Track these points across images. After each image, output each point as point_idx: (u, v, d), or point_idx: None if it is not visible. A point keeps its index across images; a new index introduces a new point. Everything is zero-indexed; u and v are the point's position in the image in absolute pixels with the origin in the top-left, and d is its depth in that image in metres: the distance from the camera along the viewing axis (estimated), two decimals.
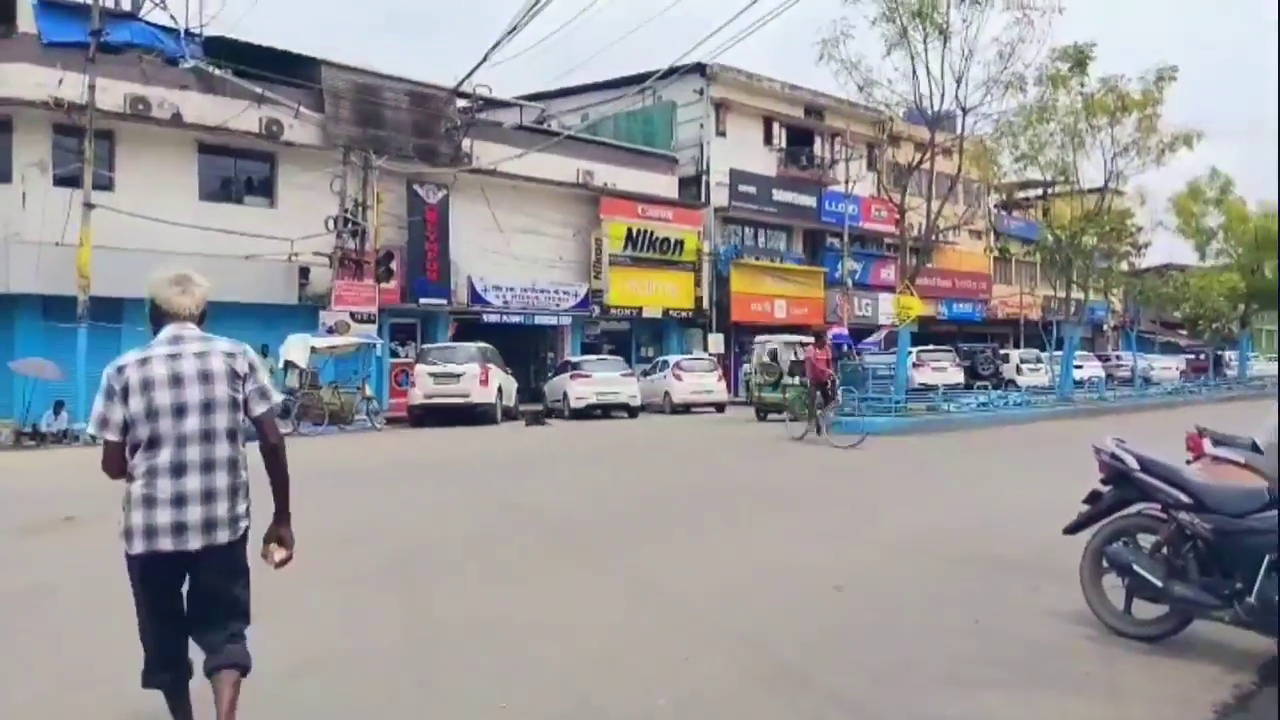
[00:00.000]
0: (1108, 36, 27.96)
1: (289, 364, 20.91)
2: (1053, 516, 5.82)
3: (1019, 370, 35.10)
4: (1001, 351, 37.63)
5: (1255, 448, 6.42)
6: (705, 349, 32.06)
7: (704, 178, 34.49)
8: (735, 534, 8.25)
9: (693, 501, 10.22)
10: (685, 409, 26.17)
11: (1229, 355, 44.17)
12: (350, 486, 11.76)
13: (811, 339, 20.45)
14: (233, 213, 23.96)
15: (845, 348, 30.43)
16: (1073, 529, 5.47)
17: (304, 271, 24.65)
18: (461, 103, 28.50)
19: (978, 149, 25.10)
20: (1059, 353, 29.28)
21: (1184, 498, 4.88)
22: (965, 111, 20.89)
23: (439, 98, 27.65)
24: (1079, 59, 22.55)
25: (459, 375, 21.52)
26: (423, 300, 26.95)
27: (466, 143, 27.92)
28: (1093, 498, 5.42)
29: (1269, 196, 36.97)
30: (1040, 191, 35.17)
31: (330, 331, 22.96)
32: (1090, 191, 27.52)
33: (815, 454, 15.77)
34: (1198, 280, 38.02)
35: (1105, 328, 49.98)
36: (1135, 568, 4.94)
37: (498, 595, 6.18)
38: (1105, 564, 5.20)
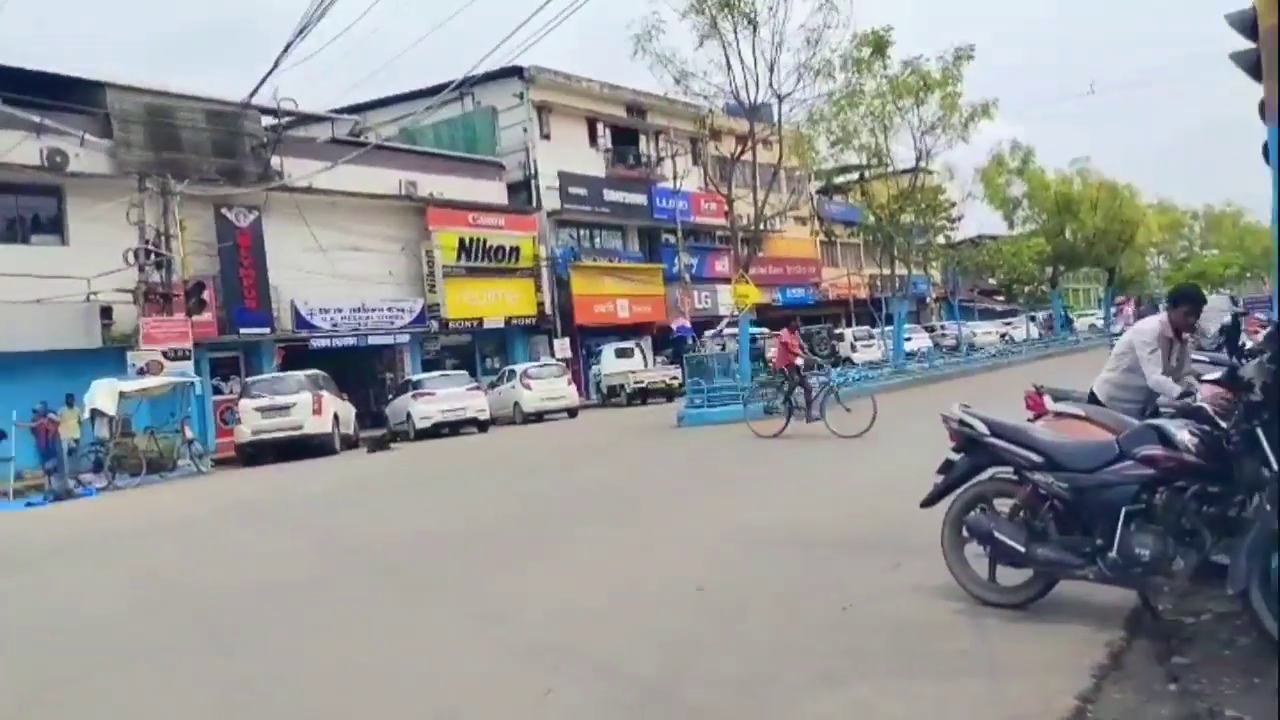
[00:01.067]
0: (913, 17, 29.20)
1: (96, 412, 19.12)
2: (905, 488, 5.72)
3: (853, 348, 36.30)
4: (836, 331, 38.84)
5: (1093, 399, 6.51)
6: (552, 355, 31.56)
7: (533, 182, 33.99)
8: (590, 548, 7.79)
9: (545, 517, 9.74)
10: (537, 418, 25.61)
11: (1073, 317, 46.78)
12: (163, 541, 10.66)
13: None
14: (18, 254, 21.73)
15: (689, 340, 30.66)
16: (929, 501, 5.34)
17: (106, 311, 22.66)
18: (269, 120, 26.94)
19: (795, 136, 25.67)
20: (889, 328, 30.41)
21: (1036, 458, 4.80)
22: (781, 99, 21.23)
23: (240, 114, 26.02)
24: (878, 44, 23.32)
25: (289, 406, 20.21)
26: (243, 330, 25.29)
27: (276, 160, 26.40)
28: (945, 467, 5.29)
29: (1062, 164, 39.83)
30: (857, 175, 36.49)
31: (141, 373, 21.15)
32: (903, 172, 28.70)
33: (661, 449, 15.59)
34: (1009, 247, 40.45)
35: (928, 300, 52.56)
36: (996, 534, 4.82)
37: (329, 648, 5.52)
38: (966, 533, 5.08)
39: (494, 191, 33.00)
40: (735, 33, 19.87)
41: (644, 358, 31.71)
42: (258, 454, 20.36)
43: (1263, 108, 7.22)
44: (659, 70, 20.45)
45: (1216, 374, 6.59)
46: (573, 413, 26.27)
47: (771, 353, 19.61)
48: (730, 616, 5.33)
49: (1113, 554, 4.42)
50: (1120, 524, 4.41)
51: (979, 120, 26.07)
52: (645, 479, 12.09)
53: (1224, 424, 4.26)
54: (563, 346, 32.53)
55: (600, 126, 37.12)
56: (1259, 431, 4.06)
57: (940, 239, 33.42)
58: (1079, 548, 4.60)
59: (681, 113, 31.95)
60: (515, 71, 32.16)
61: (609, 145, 37.39)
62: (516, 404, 25.81)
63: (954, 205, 32.12)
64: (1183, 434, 4.32)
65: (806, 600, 5.49)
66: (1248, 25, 7.68)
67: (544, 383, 26.29)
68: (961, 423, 5.16)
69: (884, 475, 9.92)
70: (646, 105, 37.57)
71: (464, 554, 7.95)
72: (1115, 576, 4.45)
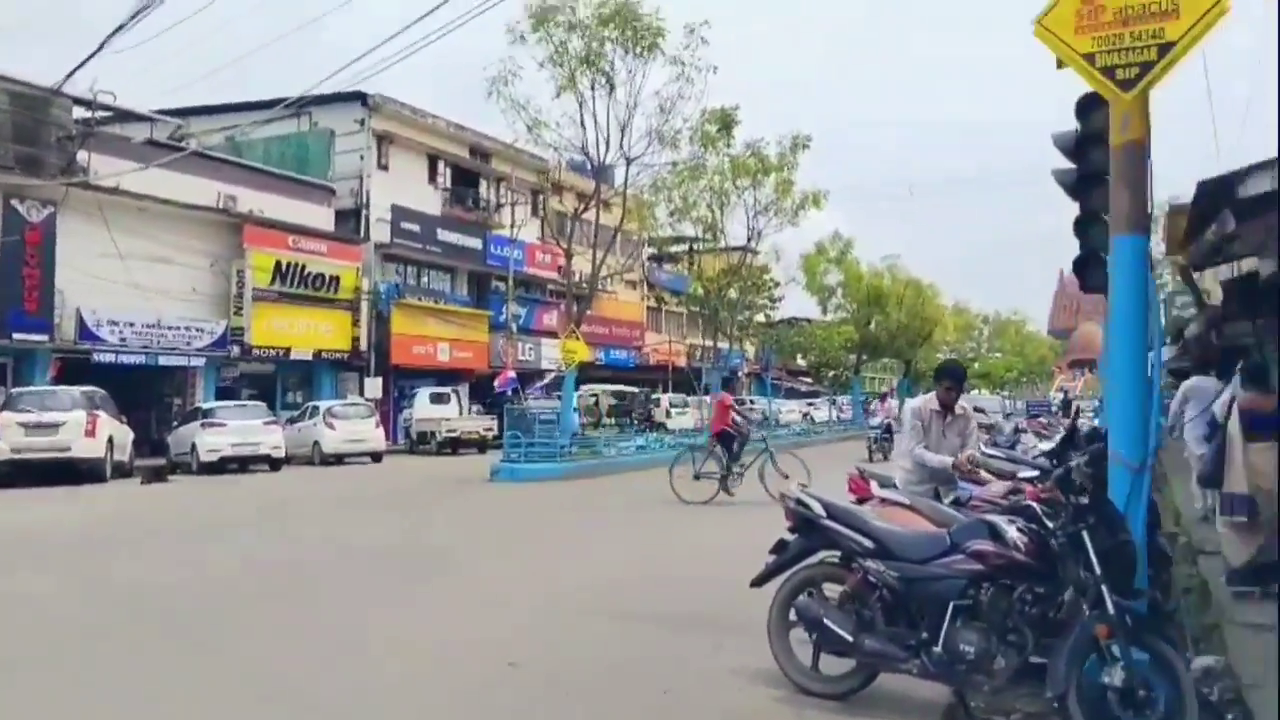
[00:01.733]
0: (756, 102, 30.54)
1: None
2: (722, 562, 5.56)
3: (668, 414, 36.84)
4: (654, 396, 39.33)
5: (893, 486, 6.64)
6: (361, 393, 30.16)
7: (364, 212, 32.78)
8: (394, 611, 7.12)
9: (344, 572, 8.97)
10: (337, 460, 24.25)
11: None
12: None
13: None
14: None
15: (509, 393, 30.20)
16: (759, 581, 5.21)
17: None
18: (81, 111, 24.74)
19: (635, 201, 26.06)
20: (705, 396, 31.10)
21: (869, 544, 4.75)
22: (630, 162, 21.46)
23: (49, 100, 23.77)
24: (725, 121, 24.04)
25: (58, 425, 18.11)
26: (16, 335, 22.72)
27: (83, 155, 24.21)
28: (779, 547, 5.19)
29: (874, 258, 42.50)
30: (688, 246, 37.50)
31: None
32: (733, 249, 29.68)
33: (476, 504, 15.02)
34: (821, 332, 42.51)
35: (740, 374, 54.21)
36: (826, 622, 4.72)
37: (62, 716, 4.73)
38: (793, 617, 4.96)
39: (320, 216, 31.55)
40: (593, 90, 20.00)
41: (460, 405, 30.88)
42: (16, 474, 18.13)
43: (1080, 224, 7.64)
44: (511, 115, 20.30)
45: (1031, 473, 6.91)
46: (377, 457, 25.08)
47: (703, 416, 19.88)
48: (546, 697, 4.95)
49: (938, 649, 4.39)
50: (947, 619, 4.40)
51: (809, 208, 27.35)
52: (457, 535, 11.45)
53: (1050, 524, 4.33)
54: (374, 386, 31.13)
55: (441, 165, 36.44)
56: (1085, 534, 4.14)
57: (760, 317, 34.71)
58: (905, 640, 4.55)
59: (526, 162, 31.94)
60: (359, 97, 31.19)
61: (448, 185, 36.72)
62: (316, 443, 24.37)
63: (777, 285, 33.48)
64: (1012, 531, 4.37)
65: (626, 680, 5.20)
66: (1070, 146, 8.25)
67: (349, 423, 25.00)
68: (798, 502, 5.08)
69: (698, 547, 9.83)
70: (491, 150, 37.32)
71: (243, 611, 7.07)
72: (939, 672, 4.42)
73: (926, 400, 6.52)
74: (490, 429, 28.38)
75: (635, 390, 36.29)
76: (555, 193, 31.71)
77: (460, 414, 30.05)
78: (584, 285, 24.40)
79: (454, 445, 28.15)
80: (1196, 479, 8.15)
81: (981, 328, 68.12)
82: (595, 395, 34.86)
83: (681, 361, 45.70)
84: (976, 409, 11.02)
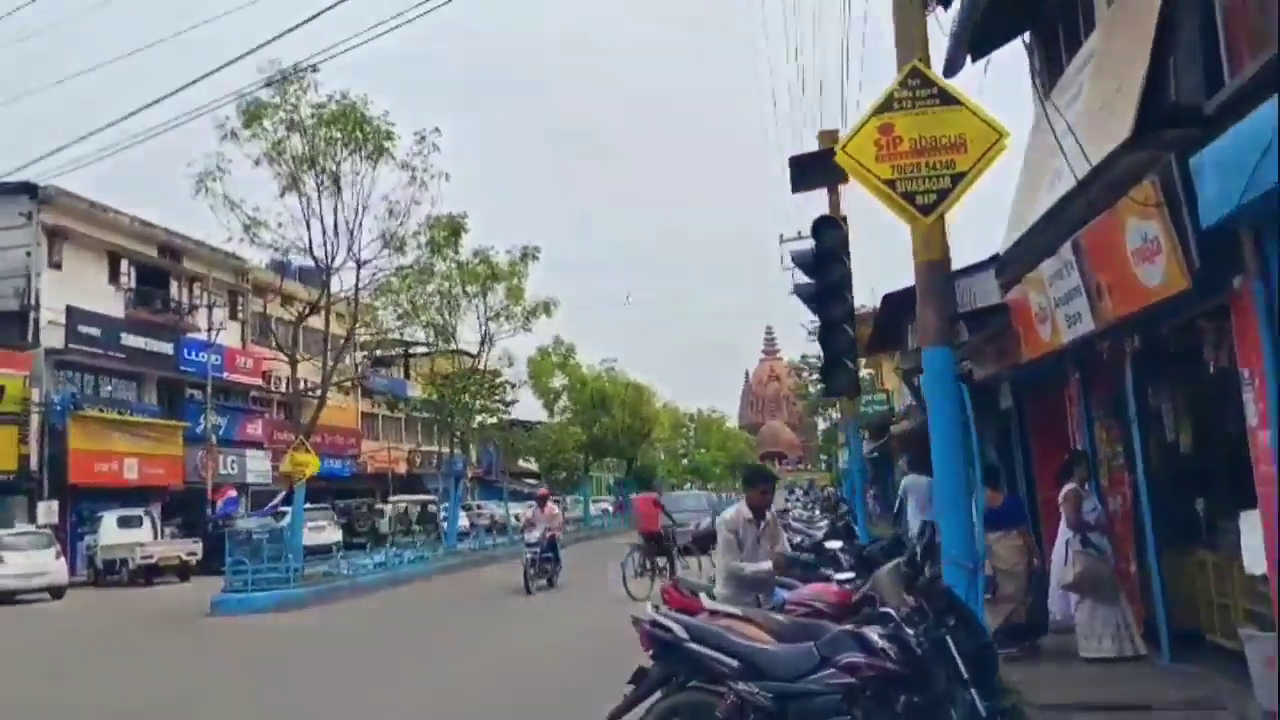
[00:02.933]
0: (492, 212, 30.93)
1: None
2: (536, 688, 5.17)
3: (391, 524, 35.16)
4: (377, 506, 37.43)
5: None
6: (33, 520, 26.05)
7: (32, 314, 28.87)
8: None
9: None
10: (8, 598, 20.63)
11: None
12: None
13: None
14: None
15: (212, 511, 27.43)
16: (617, 714, 4.90)
17: None
18: None
19: (361, 307, 25.04)
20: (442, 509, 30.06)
21: (737, 665, 4.61)
22: (360, 265, 20.57)
23: None
24: (453, 228, 23.82)
25: None
26: None
27: None
28: (638, 676, 4.93)
29: (596, 362, 43.87)
30: (415, 350, 36.62)
31: None
32: (464, 353, 29.33)
33: (210, 646, 13.15)
34: (553, 434, 42.86)
35: (464, 479, 53.05)
36: None
37: None
38: None
39: None
40: (319, 191, 19.06)
41: (155, 527, 27.46)
42: None
43: (824, 333, 8.18)
44: (225, 214, 18.85)
45: (846, 575, 7.16)
46: (58, 593, 21.68)
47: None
48: None
49: None
50: None
51: (540, 315, 27.74)
52: (209, 690, 9.61)
53: (910, 630, 4.42)
54: (49, 510, 27.05)
55: (125, 263, 33.06)
56: (948, 639, 4.25)
57: (493, 420, 34.36)
58: None
59: (222, 262, 29.91)
60: (27, 188, 27.73)
61: (133, 285, 33.32)
62: None
63: (513, 388, 33.46)
64: (880, 640, 4.41)
65: None
66: (809, 263, 8.94)
67: (23, 554, 21.51)
68: (655, 624, 4.86)
69: (497, 677, 9.14)
70: (182, 248, 34.55)
71: None
72: None
73: (738, 510, 6.27)
74: (194, 553, 25.54)
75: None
76: (257, 294, 29.72)
77: (155, 537, 26.72)
78: (309, 393, 22.83)
79: (149, 574, 24.91)
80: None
81: (689, 425, 71.83)
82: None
83: (402, 469, 43.95)
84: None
